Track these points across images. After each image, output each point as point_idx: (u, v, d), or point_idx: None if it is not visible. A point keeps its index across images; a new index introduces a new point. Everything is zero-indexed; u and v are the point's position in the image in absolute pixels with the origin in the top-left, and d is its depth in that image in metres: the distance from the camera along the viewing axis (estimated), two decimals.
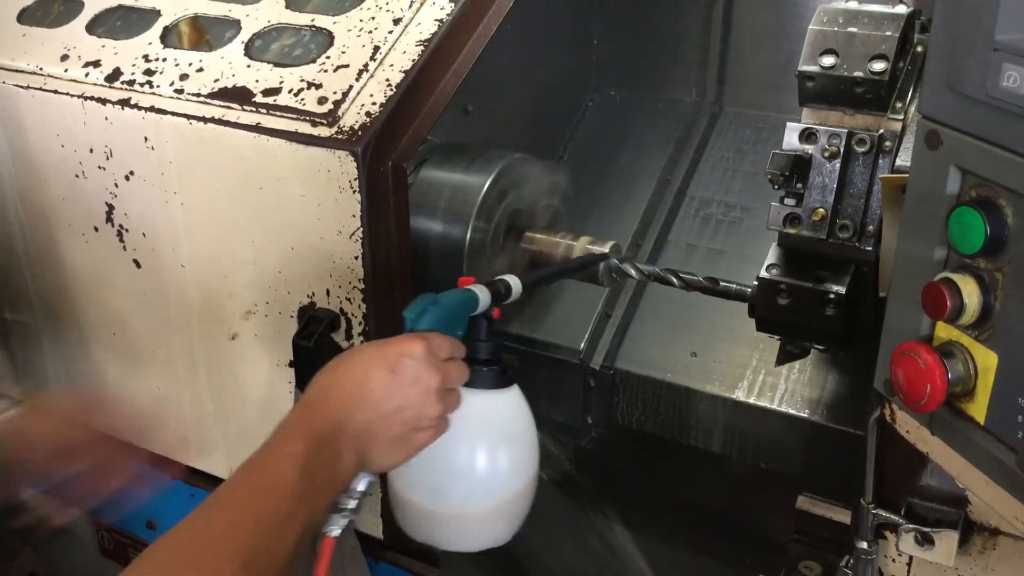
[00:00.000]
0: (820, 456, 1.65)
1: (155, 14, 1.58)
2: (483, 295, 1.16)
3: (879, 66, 1.29)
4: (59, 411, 1.21)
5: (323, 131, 1.33)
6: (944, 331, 0.99)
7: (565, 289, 1.79)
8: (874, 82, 1.29)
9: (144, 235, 1.53)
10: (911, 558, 1.21)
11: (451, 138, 1.62)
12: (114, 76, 1.51)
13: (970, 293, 0.93)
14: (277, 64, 1.44)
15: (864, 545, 1.22)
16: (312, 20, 1.48)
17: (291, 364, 1.44)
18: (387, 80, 1.36)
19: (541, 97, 1.98)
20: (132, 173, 1.50)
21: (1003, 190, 0.90)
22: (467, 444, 1.14)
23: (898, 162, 1.29)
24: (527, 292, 1.24)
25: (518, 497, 1.19)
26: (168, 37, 1.55)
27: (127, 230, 1.55)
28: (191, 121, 1.40)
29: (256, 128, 1.36)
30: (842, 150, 1.31)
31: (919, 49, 1.35)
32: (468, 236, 1.47)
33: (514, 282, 1.22)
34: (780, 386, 1.69)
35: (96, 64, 1.53)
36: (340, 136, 1.31)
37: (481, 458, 1.15)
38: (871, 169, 1.31)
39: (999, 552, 1.15)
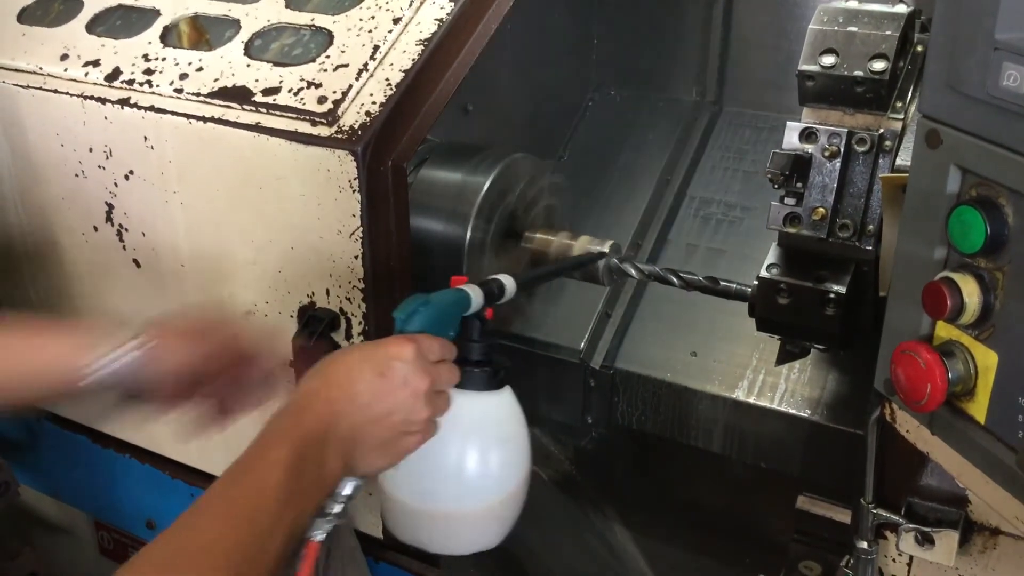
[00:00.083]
0: (820, 456, 1.65)
1: (155, 13, 1.58)
2: (476, 295, 1.14)
3: (879, 65, 1.29)
4: (185, 332, 1.19)
5: (323, 130, 1.32)
6: (944, 330, 0.99)
7: (565, 289, 1.79)
8: (874, 81, 1.29)
9: (144, 235, 1.53)
10: (911, 558, 1.21)
11: (451, 137, 1.62)
12: (114, 75, 1.51)
13: (970, 292, 0.93)
14: (277, 63, 1.44)
15: (864, 545, 1.22)
16: (312, 19, 1.48)
17: (291, 364, 1.44)
18: (387, 79, 1.36)
19: (541, 97, 1.98)
20: (132, 172, 1.50)
21: (1003, 189, 0.90)
22: (457, 446, 1.13)
23: (898, 161, 1.29)
24: (521, 292, 1.23)
25: (508, 500, 1.18)
26: (168, 36, 1.55)
27: (127, 229, 1.55)
28: (191, 120, 1.40)
29: (256, 128, 1.36)
30: (842, 149, 1.31)
31: (919, 48, 1.35)
32: (468, 236, 1.47)
33: (508, 282, 1.21)
34: (780, 386, 1.69)
35: (96, 63, 1.53)
36: (340, 135, 1.31)
37: (471, 460, 1.14)
38: (871, 168, 1.31)
39: (999, 552, 1.15)
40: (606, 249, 1.53)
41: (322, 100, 1.36)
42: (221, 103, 1.41)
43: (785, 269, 1.37)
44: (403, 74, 1.37)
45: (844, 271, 1.34)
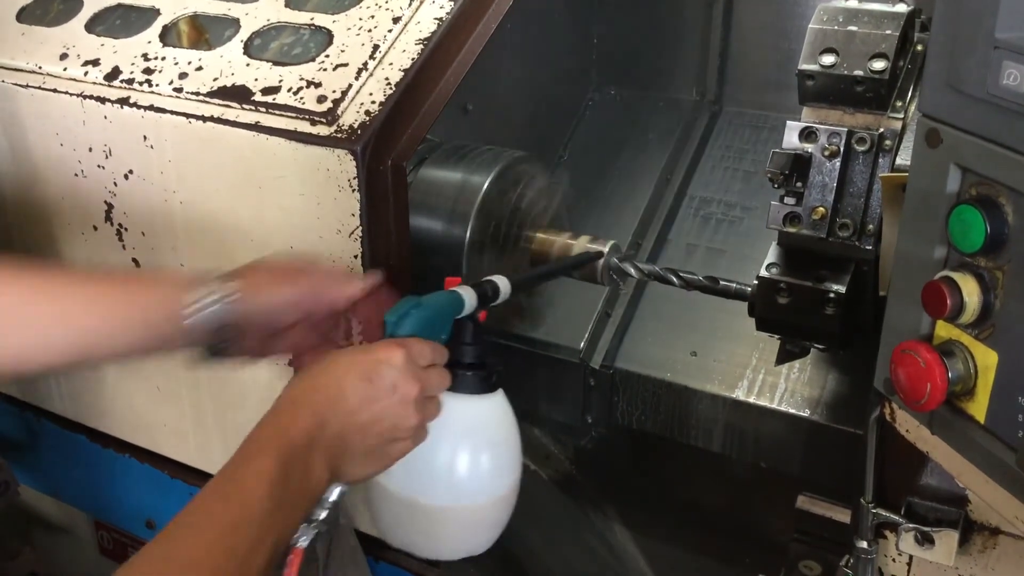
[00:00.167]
0: (820, 455, 1.65)
1: (154, 13, 1.58)
2: (469, 297, 1.13)
3: (879, 65, 1.29)
4: (274, 276, 1.17)
5: (322, 130, 1.32)
6: (944, 330, 0.99)
7: (565, 289, 1.79)
8: (874, 81, 1.29)
9: (143, 234, 1.53)
10: (911, 557, 1.21)
11: (451, 137, 1.62)
12: (113, 75, 1.51)
13: (970, 292, 0.93)
14: (276, 63, 1.44)
15: (864, 544, 1.22)
16: (311, 19, 1.48)
17: (290, 363, 1.44)
18: (387, 79, 1.36)
19: (541, 96, 1.98)
20: (131, 172, 1.50)
21: (1003, 188, 0.90)
22: (447, 450, 1.11)
23: (898, 161, 1.29)
24: (516, 293, 1.21)
25: (498, 505, 1.16)
26: (167, 36, 1.55)
27: (126, 229, 1.55)
28: (190, 120, 1.40)
29: (255, 127, 1.36)
30: (842, 149, 1.31)
31: (919, 48, 1.35)
32: (468, 235, 1.47)
33: (502, 283, 1.19)
34: (780, 385, 1.69)
35: (95, 63, 1.53)
36: (339, 135, 1.31)
37: (461, 464, 1.12)
38: (871, 168, 1.31)
39: (999, 551, 1.15)
40: (604, 249, 1.53)
41: (322, 99, 1.36)
42: (221, 102, 1.41)
43: (785, 269, 1.37)
44: (403, 73, 1.37)
45: (844, 271, 1.34)
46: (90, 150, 1.52)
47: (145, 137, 1.45)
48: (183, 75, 1.47)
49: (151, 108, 1.44)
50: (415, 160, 1.51)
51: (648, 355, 1.81)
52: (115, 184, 1.52)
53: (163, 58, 1.50)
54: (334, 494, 1.04)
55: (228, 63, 1.46)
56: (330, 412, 1.00)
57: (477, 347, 1.14)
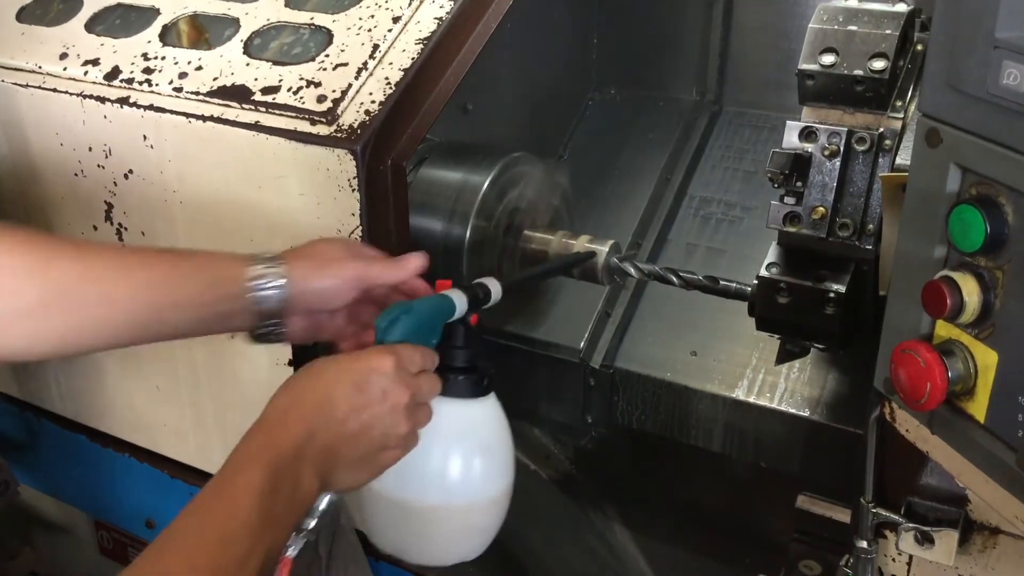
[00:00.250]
0: (820, 455, 1.65)
1: (154, 12, 1.58)
2: (460, 301, 1.12)
3: (879, 64, 1.29)
4: (323, 260, 1.16)
5: (322, 129, 1.32)
6: (944, 329, 0.99)
7: (565, 288, 1.79)
8: (874, 80, 1.29)
9: (143, 234, 1.53)
10: (911, 557, 1.21)
11: (451, 137, 1.62)
12: (113, 74, 1.51)
13: (970, 291, 0.93)
14: (276, 62, 1.44)
15: (864, 544, 1.22)
16: (311, 18, 1.48)
17: (291, 363, 1.44)
18: (386, 78, 1.36)
19: (541, 96, 1.98)
20: (131, 171, 1.50)
21: (1003, 188, 0.90)
22: (438, 455, 1.11)
23: (898, 160, 1.29)
24: (507, 295, 1.21)
25: (489, 509, 1.16)
26: (167, 35, 1.55)
27: (126, 228, 1.55)
28: (190, 119, 1.40)
29: (255, 126, 1.36)
30: (842, 148, 1.31)
31: (919, 47, 1.35)
32: (468, 235, 1.47)
33: (493, 286, 1.18)
34: (780, 385, 1.69)
35: (95, 62, 1.53)
36: (339, 134, 1.31)
37: (452, 468, 1.12)
38: (871, 167, 1.31)
39: (999, 551, 1.15)
40: (599, 248, 1.53)
41: (321, 99, 1.36)
42: (220, 102, 1.41)
43: (785, 268, 1.36)
44: (403, 73, 1.37)
45: (844, 270, 1.34)
46: (90, 150, 1.52)
47: (145, 137, 1.45)
48: (183, 75, 1.47)
49: (151, 108, 1.44)
50: (415, 160, 1.51)
51: (648, 355, 1.81)
52: (115, 184, 1.52)
53: (163, 58, 1.50)
54: (323, 503, 1.03)
55: (228, 63, 1.46)
56: (319, 422, 0.98)
57: (468, 351, 1.13)
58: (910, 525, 1.16)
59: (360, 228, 1.32)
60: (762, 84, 2.00)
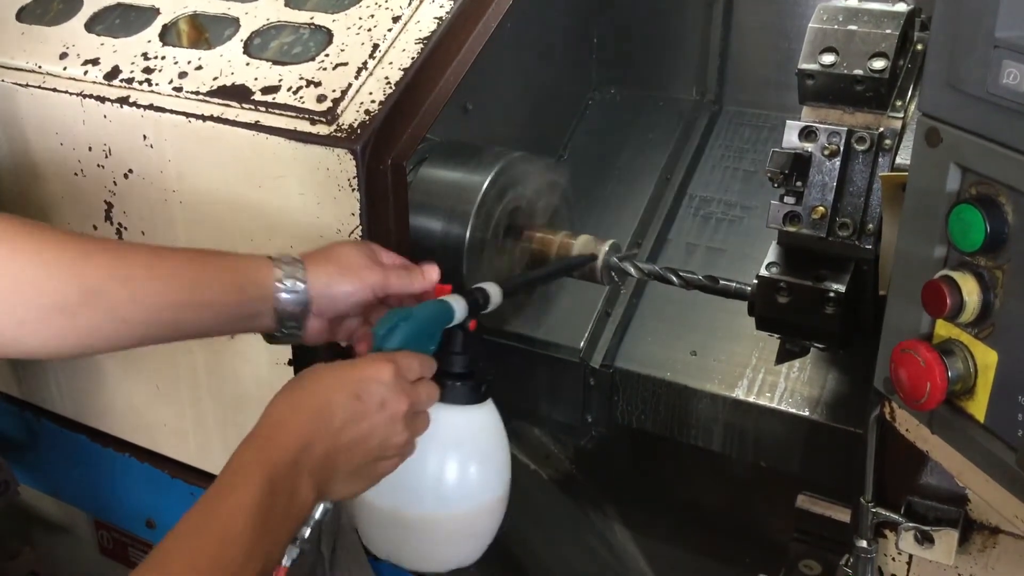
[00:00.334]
0: (820, 455, 1.65)
1: (154, 12, 1.58)
2: (459, 306, 1.12)
3: (879, 64, 1.29)
4: (343, 266, 1.14)
5: (322, 129, 1.32)
6: (944, 329, 0.99)
7: (565, 288, 1.79)
8: (874, 80, 1.29)
9: (143, 233, 1.53)
10: (911, 557, 1.21)
11: (450, 136, 1.62)
12: (113, 74, 1.51)
13: (970, 291, 0.93)
14: (276, 62, 1.44)
15: (864, 544, 1.22)
16: (311, 18, 1.48)
17: (291, 363, 1.44)
18: (386, 78, 1.36)
19: (541, 96, 1.98)
20: (131, 171, 1.50)
21: (1003, 187, 0.90)
22: (435, 461, 1.10)
23: (898, 160, 1.29)
24: (507, 299, 1.20)
25: (486, 515, 1.15)
26: (167, 35, 1.55)
27: (126, 228, 1.55)
28: (190, 119, 1.40)
29: (255, 126, 1.36)
30: (842, 148, 1.31)
31: (919, 47, 1.35)
32: (468, 235, 1.47)
33: (493, 290, 1.18)
34: (780, 385, 1.69)
35: (95, 62, 1.53)
36: (339, 134, 1.31)
37: (449, 475, 1.11)
38: (871, 167, 1.31)
39: (999, 551, 1.15)
40: (597, 250, 1.53)
41: (321, 99, 1.36)
42: (220, 102, 1.41)
43: (785, 268, 1.36)
44: (403, 73, 1.36)
45: (844, 270, 1.34)
46: (90, 149, 1.52)
47: (145, 136, 1.45)
48: (183, 74, 1.47)
49: (151, 107, 1.44)
50: (415, 159, 1.51)
51: (648, 354, 1.82)
52: (115, 183, 1.52)
53: (163, 57, 1.50)
54: (318, 512, 1.02)
55: (228, 62, 1.46)
56: (316, 432, 0.97)
57: (467, 357, 1.12)
58: (910, 524, 1.16)
59: (360, 228, 1.32)
60: (762, 84, 2.00)
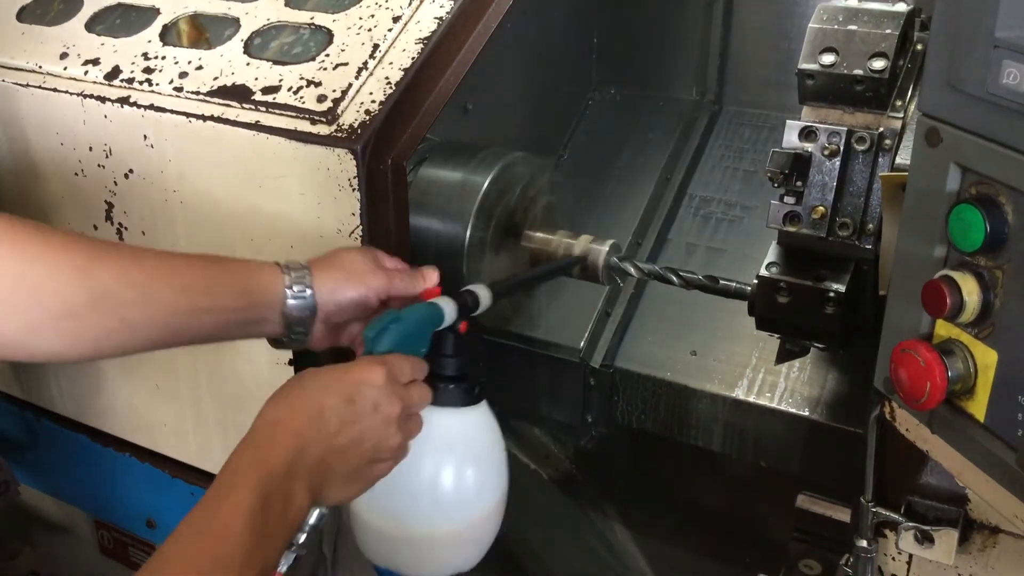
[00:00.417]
0: (820, 454, 1.65)
1: (154, 12, 1.58)
2: (449, 309, 1.12)
3: (879, 64, 1.29)
4: (347, 272, 1.15)
5: (322, 129, 1.33)
6: (944, 329, 0.99)
7: (565, 288, 1.79)
8: (874, 80, 1.29)
9: (143, 233, 1.53)
10: (911, 556, 1.21)
11: (451, 136, 1.62)
12: (113, 74, 1.51)
13: (970, 291, 0.93)
14: (276, 62, 1.44)
15: (864, 543, 1.22)
16: (311, 18, 1.48)
17: (291, 363, 1.44)
18: (387, 78, 1.36)
19: (541, 96, 1.98)
20: (131, 171, 1.50)
21: (1003, 187, 0.90)
22: (430, 465, 1.10)
23: (898, 160, 1.29)
24: (497, 301, 1.20)
25: (484, 520, 1.15)
26: (167, 35, 1.55)
27: (126, 228, 1.55)
28: (190, 119, 1.40)
29: (255, 126, 1.36)
30: (842, 148, 1.31)
31: (919, 47, 1.35)
32: (468, 235, 1.47)
33: (483, 293, 1.18)
34: (780, 384, 1.69)
35: (95, 62, 1.53)
36: (339, 134, 1.31)
37: (445, 480, 1.10)
38: (871, 167, 1.31)
39: (999, 550, 1.15)
40: (604, 248, 1.53)
41: (322, 99, 1.36)
42: (221, 102, 1.41)
43: (785, 268, 1.37)
44: (403, 73, 1.37)
45: (844, 270, 1.34)
46: (90, 149, 1.52)
47: (145, 136, 1.45)
48: (183, 74, 1.47)
49: (151, 107, 1.44)
50: (415, 159, 1.51)
51: (648, 354, 1.81)
52: (115, 183, 1.52)
53: (163, 57, 1.51)
54: (313, 517, 1.02)
55: (228, 62, 1.46)
56: (311, 436, 0.97)
57: (458, 359, 1.12)
58: (910, 524, 1.17)
59: (360, 228, 1.32)
60: (762, 84, 2.00)
